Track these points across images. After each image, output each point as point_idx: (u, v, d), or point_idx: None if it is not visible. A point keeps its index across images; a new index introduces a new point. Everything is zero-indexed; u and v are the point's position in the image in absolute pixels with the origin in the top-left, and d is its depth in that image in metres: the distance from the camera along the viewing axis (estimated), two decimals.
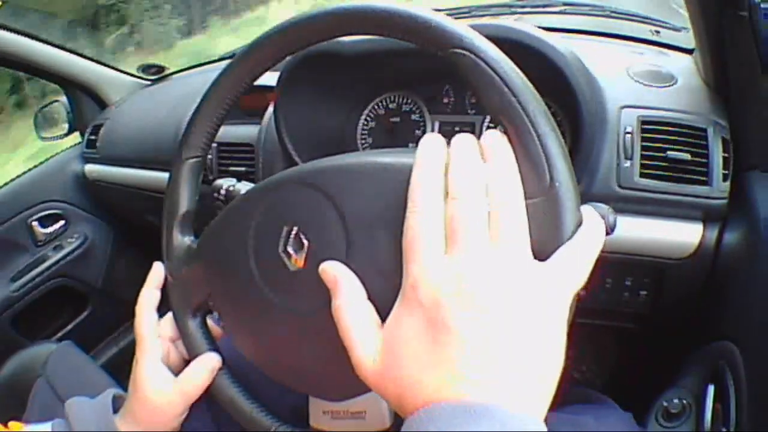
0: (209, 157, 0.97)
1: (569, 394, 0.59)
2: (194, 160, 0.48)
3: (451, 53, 0.35)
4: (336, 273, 0.36)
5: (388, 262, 0.34)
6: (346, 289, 0.35)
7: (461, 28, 0.35)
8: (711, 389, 0.60)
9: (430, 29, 0.35)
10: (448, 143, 0.35)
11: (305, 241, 0.40)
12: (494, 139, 0.34)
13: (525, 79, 0.34)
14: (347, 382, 0.40)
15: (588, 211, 0.34)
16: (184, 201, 0.49)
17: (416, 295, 0.30)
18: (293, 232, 0.41)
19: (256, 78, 0.45)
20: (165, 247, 0.50)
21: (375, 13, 0.37)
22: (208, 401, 0.50)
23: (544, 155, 0.32)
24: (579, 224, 0.33)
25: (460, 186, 0.32)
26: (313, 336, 0.41)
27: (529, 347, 0.28)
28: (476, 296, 0.28)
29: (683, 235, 0.66)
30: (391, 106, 0.83)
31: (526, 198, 0.32)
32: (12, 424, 0.61)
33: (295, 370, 0.43)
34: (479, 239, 0.30)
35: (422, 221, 0.31)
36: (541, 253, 0.31)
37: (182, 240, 0.49)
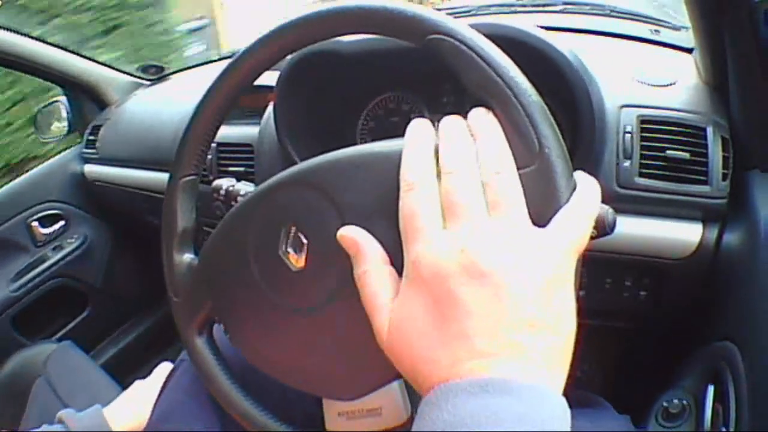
0: (209, 157, 0.97)
1: (566, 397, 0.59)
2: (189, 178, 0.48)
3: (429, 40, 0.35)
4: (357, 238, 0.35)
5: (390, 249, 0.34)
6: (369, 254, 0.34)
7: (436, 14, 0.35)
8: (711, 389, 0.60)
9: (405, 20, 0.36)
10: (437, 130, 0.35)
11: (304, 240, 0.40)
12: (480, 115, 0.34)
13: (504, 55, 0.34)
14: (357, 378, 0.40)
15: (581, 175, 0.35)
16: (182, 219, 0.49)
17: (419, 272, 0.30)
18: (292, 232, 0.41)
19: (245, 89, 0.45)
20: (166, 266, 0.50)
21: (350, 12, 0.38)
22: (214, 403, 0.50)
23: (531, 124, 0.32)
24: (573, 189, 0.33)
25: (452, 160, 0.32)
26: (319, 335, 0.41)
27: (539, 313, 0.28)
28: (479, 266, 0.28)
29: (683, 234, 0.65)
30: (390, 105, 0.83)
31: (518, 168, 0.32)
32: None
33: (304, 371, 0.43)
34: (477, 209, 0.30)
35: (417, 199, 0.31)
36: (539, 221, 0.31)
37: (182, 258, 0.49)
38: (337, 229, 0.37)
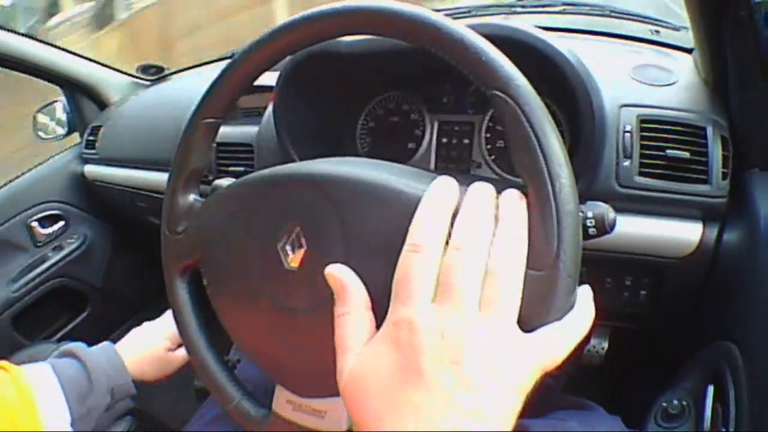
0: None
1: (558, 402, 0.59)
2: (211, 120, 0.47)
3: (495, 94, 0.34)
4: (344, 280, 0.35)
5: (380, 289, 0.34)
6: (353, 299, 0.34)
7: (511, 69, 0.34)
8: (711, 390, 0.60)
9: (479, 63, 0.34)
10: (459, 182, 0.35)
11: (304, 244, 0.40)
12: (513, 199, 0.33)
13: (562, 144, 0.33)
14: (314, 381, 0.41)
15: (584, 293, 0.34)
16: (194, 157, 0.48)
17: (397, 334, 0.31)
18: (294, 232, 0.41)
19: (285, 56, 0.44)
20: (167, 200, 0.49)
21: (427, 23, 0.36)
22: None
23: (558, 233, 0.32)
24: (571, 307, 0.33)
25: (465, 238, 0.31)
26: (291, 332, 0.41)
27: (491, 408, 0.29)
28: (452, 354, 0.29)
29: (683, 233, 0.65)
30: (390, 105, 0.83)
31: (527, 267, 0.32)
32: (4, 365, 0.63)
33: (269, 356, 0.44)
34: (469, 299, 0.30)
35: (418, 265, 0.31)
36: (525, 324, 0.31)
37: (186, 197, 0.49)
38: (339, 248, 0.37)
